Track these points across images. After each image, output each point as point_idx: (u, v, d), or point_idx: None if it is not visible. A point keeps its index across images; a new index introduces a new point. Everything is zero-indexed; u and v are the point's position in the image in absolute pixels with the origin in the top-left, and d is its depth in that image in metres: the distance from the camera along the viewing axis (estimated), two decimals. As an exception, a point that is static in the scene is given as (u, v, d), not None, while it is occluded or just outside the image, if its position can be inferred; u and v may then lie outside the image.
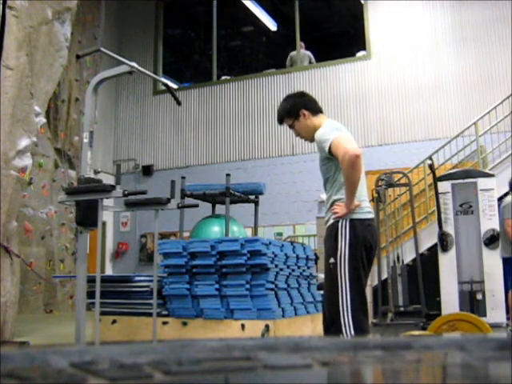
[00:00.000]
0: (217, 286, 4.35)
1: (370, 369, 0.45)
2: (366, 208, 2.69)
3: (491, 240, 6.23)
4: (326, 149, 2.60)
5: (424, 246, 7.60)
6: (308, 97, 2.95)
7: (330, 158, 2.64)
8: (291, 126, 2.88)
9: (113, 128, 11.70)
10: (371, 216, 2.73)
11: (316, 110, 2.86)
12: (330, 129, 2.67)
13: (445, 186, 6.59)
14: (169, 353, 0.44)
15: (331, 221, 2.69)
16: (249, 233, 6.31)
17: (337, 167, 2.65)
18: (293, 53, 10.83)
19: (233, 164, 10.39)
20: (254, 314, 4.21)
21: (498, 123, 8.12)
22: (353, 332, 2.52)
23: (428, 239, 7.52)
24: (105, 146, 11.13)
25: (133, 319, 4.60)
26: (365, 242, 2.65)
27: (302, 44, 10.69)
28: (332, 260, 2.62)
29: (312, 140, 2.83)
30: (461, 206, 6.47)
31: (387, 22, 9.85)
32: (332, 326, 2.62)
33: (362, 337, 2.47)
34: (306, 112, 2.81)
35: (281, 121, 2.92)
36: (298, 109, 2.82)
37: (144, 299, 4.57)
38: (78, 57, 4.04)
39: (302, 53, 10.67)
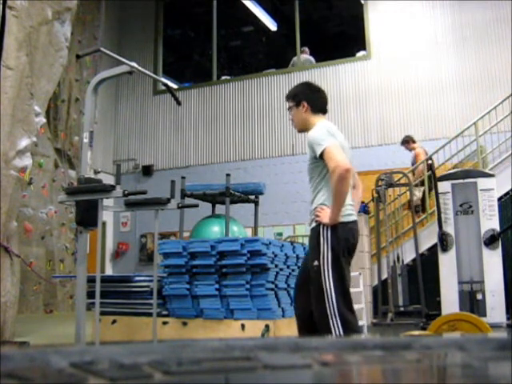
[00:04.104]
0: (217, 285, 4.35)
1: (370, 369, 0.45)
2: (347, 211, 2.73)
3: (491, 240, 6.23)
4: (318, 153, 2.64)
5: (424, 246, 7.59)
6: (319, 94, 2.97)
7: (317, 159, 2.69)
8: (290, 109, 2.95)
9: (113, 128, 11.70)
10: (352, 218, 2.76)
11: (318, 109, 2.89)
12: (325, 133, 2.70)
13: (445, 186, 6.59)
14: (169, 353, 0.44)
15: (313, 224, 2.74)
16: (249, 233, 6.31)
17: (322, 170, 2.70)
18: (295, 58, 10.82)
19: (233, 164, 10.39)
20: (254, 313, 4.21)
21: (498, 123, 8.11)
22: (342, 332, 2.56)
23: (428, 239, 7.52)
24: (105, 146, 11.13)
25: (133, 319, 4.60)
26: (347, 244, 2.70)
27: (307, 49, 10.64)
28: (316, 263, 2.67)
29: (299, 131, 2.95)
30: (461, 205, 6.47)
31: (387, 22, 9.85)
32: (320, 327, 2.65)
33: (353, 336, 2.51)
34: (306, 105, 2.86)
35: (287, 99, 2.99)
36: (301, 98, 2.87)
37: (144, 299, 4.58)
38: (78, 57, 4.05)
39: (304, 58, 10.64)
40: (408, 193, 7.79)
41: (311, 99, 2.89)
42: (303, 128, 2.90)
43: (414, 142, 8.36)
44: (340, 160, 2.56)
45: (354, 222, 2.77)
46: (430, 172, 7.30)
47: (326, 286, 2.61)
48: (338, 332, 2.56)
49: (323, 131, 2.71)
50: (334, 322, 2.58)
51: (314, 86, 3.03)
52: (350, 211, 2.74)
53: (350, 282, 2.80)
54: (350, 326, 2.60)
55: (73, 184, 8.65)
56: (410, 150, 8.37)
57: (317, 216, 2.69)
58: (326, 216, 2.65)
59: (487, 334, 2.31)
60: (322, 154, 2.62)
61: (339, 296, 2.61)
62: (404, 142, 8.37)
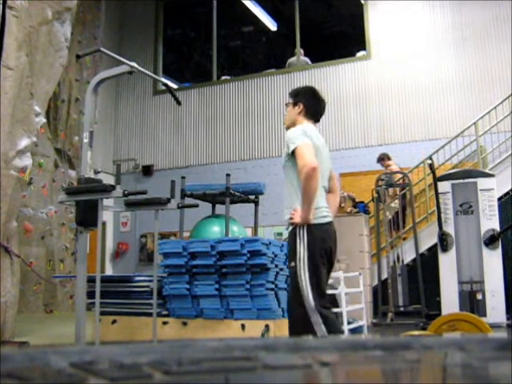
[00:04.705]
0: (217, 286, 4.35)
1: (370, 369, 0.45)
2: (322, 213, 2.81)
3: (491, 240, 6.23)
4: (290, 150, 2.79)
5: (424, 246, 7.59)
6: (319, 102, 3.08)
7: (291, 157, 2.82)
8: (287, 105, 3.09)
9: (113, 128, 11.70)
10: (327, 220, 2.84)
11: (311, 115, 3.02)
12: (300, 133, 2.83)
13: (445, 186, 6.59)
14: (169, 353, 0.44)
15: (290, 227, 2.85)
16: (249, 233, 6.30)
17: (296, 168, 2.79)
18: (291, 59, 10.83)
19: (233, 164, 10.38)
20: (253, 313, 4.22)
21: (498, 123, 8.11)
22: (324, 328, 2.65)
23: (428, 239, 7.52)
24: (105, 146, 11.12)
25: (133, 319, 4.60)
26: (323, 244, 2.78)
27: (302, 51, 10.67)
28: (292, 264, 2.78)
29: (287, 128, 3.06)
30: (461, 205, 6.47)
31: (387, 22, 9.84)
32: (302, 326, 2.72)
33: (334, 331, 2.57)
34: (302, 107, 2.99)
35: (289, 95, 3.13)
36: (300, 99, 3.01)
37: (144, 299, 4.58)
38: (78, 57, 4.04)
39: (300, 59, 10.66)
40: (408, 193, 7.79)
41: (309, 104, 3.01)
42: (291, 126, 3.01)
43: (389, 159, 8.29)
44: (308, 159, 2.68)
45: (330, 224, 2.85)
46: (430, 173, 7.30)
47: (303, 284, 2.70)
48: (320, 328, 2.65)
49: (299, 131, 2.85)
50: (315, 320, 2.67)
51: (318, 94, 3.13)
52: (324, 213, 2.83)
53: (328, 283, 2.85)
54: (330, 321, 2.69)
55: (73, 184, 8.64)
56: (386, 167, 8.28)
57: (290, 219, 2.80)
58: (298, 216, 2.75)
59: (487, 333, 2.31)
60: (293, 152, 2.76)
61: (316, 294, 2.69)
62: (380, 159, 8.34)
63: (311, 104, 3.01)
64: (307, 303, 2.67)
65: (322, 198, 2.84)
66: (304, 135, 2.80)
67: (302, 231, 2.75)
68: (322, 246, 2.77)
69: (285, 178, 2.91)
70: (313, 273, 2.71)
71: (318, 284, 2.72)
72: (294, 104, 3.00)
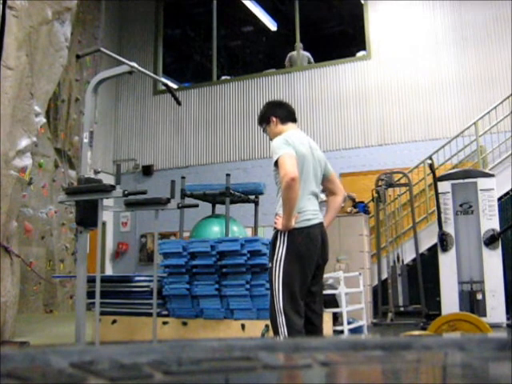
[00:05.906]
0: (217, 285, 4.35)
1: (370, 369, 0.45)
2: (305, 216, 2.83)
3: (491, 240, 6.23)
4: (274, 161, 2.83)
5: (424, 246, 7.59)
6: (282, 106, 3.18)
7: (277, 167, 2.86)
8: (265, 131, 3.16)
9: (113, 128, 11.69)
10: (311, 223, 2.84)
11: (285, 118, 3.07)
12: (282, 142, 2.85)
13: (445, 186, 6.59)
14: (169, 353, 0.44)
15: (274, 230, 2.91)
16: (249, 233, 6.30)
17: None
18: (292, 53, 10.81)
19: (233, 164, 10.38)
20: (253, 313, 4.22)
21: (498, 123, 8.11)
22: (286, 331, 2.71)
23: (428, 239, 7.52)
24: (105, 146, 11.12)
25: (133, 319, 4.60)
26: (305, 247, 2.80)
27: (301, 45, 10.66)
28: (270, 264, 2.86)
29: None
30: (461, 205, 6.47)
31: (387, 22, 9.84)
32: (272, 324, 2.82)
33: (295, 336, 2.60)
34: (274, 119, 3.07)
35: (259, 124, 3.22)
36: (268, 115, 3.10)
37: (144, 299, 4.58)
38: (78, 57, 4.04)
39: (300, 54, 10.64)
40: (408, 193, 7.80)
41: (276, 112, 3.09)
42: None
43: None
44: (288, 169, 2.70)
45: (314, 227, 2.85)
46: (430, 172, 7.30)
47: (275, 286, 2.77)
48: (283, 330, 2.71)
49: (281, 141, 2.87)
50: (280, 321, 2.73)
51: (276, 101, 3.31)
52: (310, 216, 2.84)
53: (307, 284, 2.84)
54: (293, 326, 2.73)
55: (73, 184, 8.64)
56: None
57: (274, 223, 2.86)
58: (279, 223, 2.81)
59: (487, 334, 2.31)
60: (276, 162, 2.80)
61: (286, 297, 2.75)
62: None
63: (279, 111, 3.09)
64: (277, 304, 2.75)
65: (309, 202, 2.86)
66: (286, 144, 2.82)
67: (283, 235, 2.80)
68: (304, 249, 2.80)
69: (276, 186, 2.95)
70: (286, 276, 2.76)
71: (290, 287, 2.76)
72: (268, 122, 3.08)
